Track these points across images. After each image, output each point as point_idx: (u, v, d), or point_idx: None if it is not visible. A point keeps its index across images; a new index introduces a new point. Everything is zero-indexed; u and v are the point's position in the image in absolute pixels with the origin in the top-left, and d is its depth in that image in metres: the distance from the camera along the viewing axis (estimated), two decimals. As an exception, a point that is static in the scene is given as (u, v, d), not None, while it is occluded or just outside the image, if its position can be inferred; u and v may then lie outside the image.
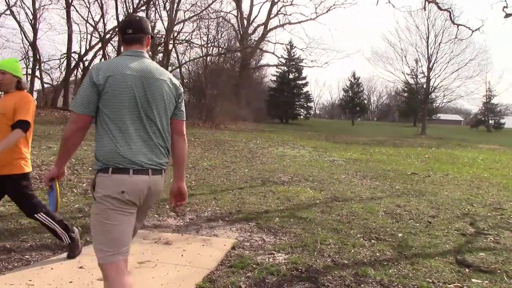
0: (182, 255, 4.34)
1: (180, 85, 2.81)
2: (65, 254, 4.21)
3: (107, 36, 31.61)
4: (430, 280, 4.00)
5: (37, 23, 29.53)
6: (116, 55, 31.32)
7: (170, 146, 2.76)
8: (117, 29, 29.97)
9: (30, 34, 29.61)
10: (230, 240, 4.95)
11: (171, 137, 2.75)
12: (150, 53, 3.21)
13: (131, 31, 2.66)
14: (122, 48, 3.35)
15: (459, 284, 3.93)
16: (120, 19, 28.99)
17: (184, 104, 2.82)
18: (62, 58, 33.08)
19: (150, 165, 2.56)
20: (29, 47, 29.97)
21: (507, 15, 10.83)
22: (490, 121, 67.70)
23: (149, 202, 2.69)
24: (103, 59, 31.03)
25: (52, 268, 3.81)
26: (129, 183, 2.47)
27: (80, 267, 3.85)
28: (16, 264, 3.96)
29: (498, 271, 4.33)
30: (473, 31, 13.06)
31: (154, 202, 2.87)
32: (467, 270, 4.34)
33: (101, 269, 2.49)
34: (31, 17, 29.13)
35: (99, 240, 2.50)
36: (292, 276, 3.95)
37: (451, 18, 13.70)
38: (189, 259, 4.22)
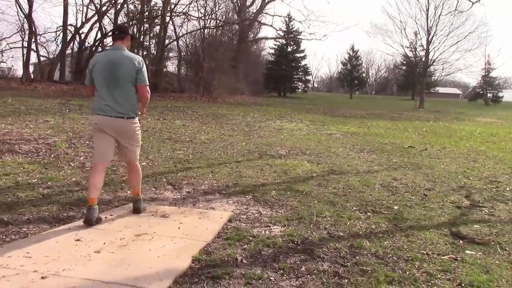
0: (179, 228, 4.36)
1: (140, 62, 4.47)
2: (62, 227, 4.23)
3: (103, 8, 31.22)
4: (425, 252, 4.04)
5: (32, -5, 29.09)
6: (112, 27, 30.96)
7: (136, 100, 4.56)
8: (112, 2, 29.68)
9: (26, 6, 29.25)
10: (226, 213, 4.98)
11: (137, 95, 4.55)
12: (129, 45, 4.69)
13: (117, 32, 4.63)
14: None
15: (453, 256, 3.97)
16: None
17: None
18: (58, 31, 32.72)
19: (113, 113, 4.38)
20: (25, 20, 29.59)
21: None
22: (488, 95, 67.57)
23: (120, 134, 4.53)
24: (99, 32, 30.77)
25: (49, 241, 3.83)
26: (99, 120, 4.43)
27: (77, 240, 3.87)
28: (13, 237, 3.98)
29: (492, 243, 4.37)
30: (473, 3, 12.88)
31: (125, 135, 4.55)
32: (461, 242, 4.39)
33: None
34: (26, -12, 28.68)
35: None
36: (288, 248, 3.98)
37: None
38: (185, 232, 4.25)
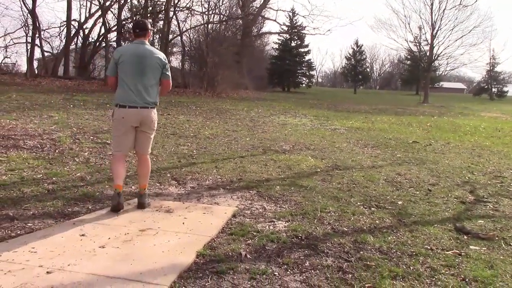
0: (183, 223, 4.37)
1: (165, 58, 4.81)
2: (67, 222, 4.25)
3: (107, 3, 31.19)
4: (429, 247, 4.04)
5: (36, -10, 29.09)
6: (116, 23, 30.97)
7: (158, 91, 4.86)
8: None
9: (29, 1, 29.19)
10: (231, 208, 4.99)
11: (160, 87, 4.90)
12: (151, 38, 4.56)
13: (138, 30, 4.79)
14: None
15: (457, 251, 3.97)
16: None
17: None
18: (62, 26, 32.76)
19: (139, 103, 4.65)
20: (28, 15, 29.55)
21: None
22: (493, 89, 67.24)
23: (144, 123, 4.76)
24: (103, 27, 30.75)
25: (54, 236, 3.85)
26: (126, 113, 4.65)
27: (82, 235, 3.89)
28: (19, 232, 4.00)
29: (496, 238, 4.37)
30: (477, -3, 12.80)
31: (147, 124, 4.78)
32: (465, 237, 4.39)
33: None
34: (29, -16, 28.66)
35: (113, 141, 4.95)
36: (292, 243, 3.99)
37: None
38: (190, 227, 4.26)
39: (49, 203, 4.85)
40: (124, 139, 4.73)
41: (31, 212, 4.56)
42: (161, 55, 4.79)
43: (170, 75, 4.90)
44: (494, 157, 9.83)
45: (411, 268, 3.54)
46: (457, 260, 3.76)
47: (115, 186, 4.64)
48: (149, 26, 4.91)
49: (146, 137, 4.84)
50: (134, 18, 30.86)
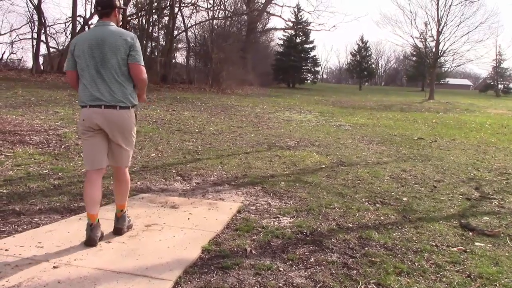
0: (188, 219, 4.39)
1: (133, 38, 3.64)
2: (73, 217, 4.28)
3: (112, -1, 31.16)
4: (434, 244, 4.04)
5: (42, -14, 29.14)
6: (121, 18, 30.88)
7: (131, 86, 3.69)
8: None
9: (35, -3, 29.25)
10: (236, 204, 5.00)
11: (131, 77, 3.68)
12: (119, 19, 3.87)
13: (100, 8, 3.69)
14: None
15: (462, 248, 3.97)
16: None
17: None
18: (68, 22, 32.74)
19: (102, 101, 3.55)
20: (34, 11, 29.60)
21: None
22: (499, 86, 66.87)
23: (111, 129, 3.63)
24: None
25: (60, 231, 3.87)
26: (86, 114, 3.58)
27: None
28: (25, 227, 4.03)
29: (502, 235, 4.36)
30: (484, -7, 12.75)
31: (117, 131, 3.65)
32: (470, 233, 4.38)
33: None
34: (35, -20, 28.72)
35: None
36: (297, 239, 4.00)
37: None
38: (195, 223, 4.27)
39: (55, 198, 4.88)
40: (92, 149, 3.64)
41: (38, 207, 4.59)
42: (128, 35, 3.62)
43: (140, 58, 3.66)
44: (500, 154, 9.79)
45: (416, 264, 3.54)
46: (462, 256, 3.75)
47: (87, 215, 3.61)
48: (116, 3, 3.76)
49: (118, 149, 3.73)
50: (140, 14, 30.89)
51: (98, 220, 3.63)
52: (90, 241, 3.55)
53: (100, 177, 3.69)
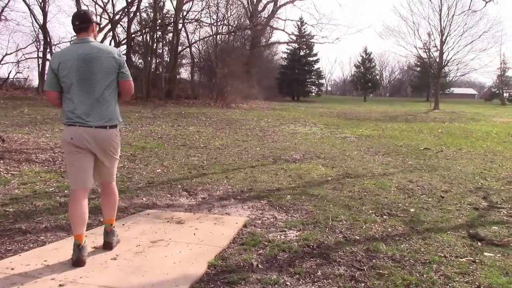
0: (194, 234, 4.37)
1: (119, 55, 3.65)
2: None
3: (116, 17, 31.49)
4: (442, 255, 4.00)
5: (47, 6, 29.54)
6: (126, 36, 31.23)
7: (117, 104, 3.71)
8: (125, 10, 29.92)
9: (40, 17, 29.61)
10: (242, 218, 4.98)
11: (120, 93, 3.74)
12: (96, 35, 3.82)
13: (78, 23, 3.60)
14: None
15: (471, 258, 3.92)
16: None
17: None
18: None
19: (92, 121, 3.53)
20: (39, 30, 29.96)
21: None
22: (505, 94, 66.70)
23: (102, 148, 3.63)
24: (112, 41, 31.01)
25: (66, 248, 3.86)
26: (76, 134, 3.52)
27: (94, 247, 3.89)
28: (31, 245, 4.03)
29: (511, 245, 4.31)
30: (486, 2, 12.81)
31: (106, 149, 3.66)
32: (479, 244, 4.33)
33: None
34: (40, 0, 29.08)
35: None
36: (304, 253, 3.97)
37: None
38: (201, 238, 4.25)
39: (61, 216, 4.88)
40: (80, 170, 3.60)
41: (44, 225, 4.59)
42: (115, 51, 3.66)
43: (129, 73, 3.74)
44: (507, 162, 9.73)
45: (425, 276, 3.50)
46: (471, 267, 3.71)
47: (74, 236, 3.54)
48: (93, 16, 3.75)
49: (105, 166, 3.76)
50: (144, 31, 31.14)
51: (85, 241, 3.57)
52: (78, 262, 3.47)
53: (86, 196, 3.67)
